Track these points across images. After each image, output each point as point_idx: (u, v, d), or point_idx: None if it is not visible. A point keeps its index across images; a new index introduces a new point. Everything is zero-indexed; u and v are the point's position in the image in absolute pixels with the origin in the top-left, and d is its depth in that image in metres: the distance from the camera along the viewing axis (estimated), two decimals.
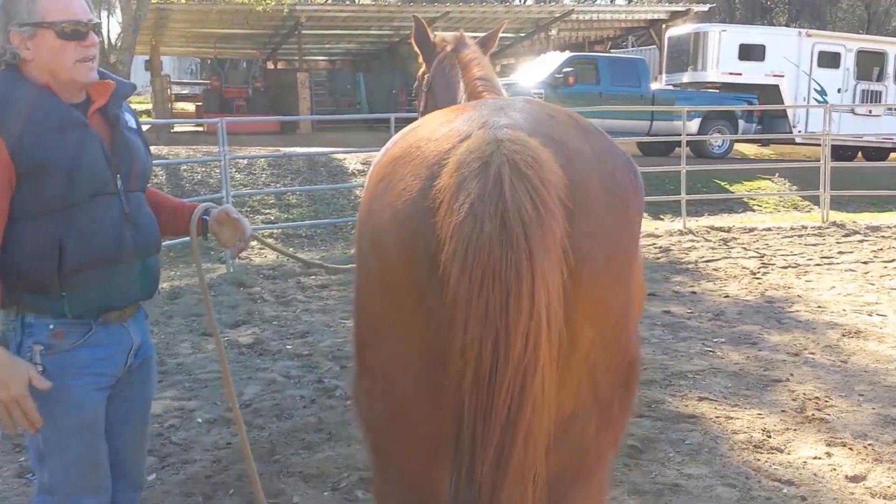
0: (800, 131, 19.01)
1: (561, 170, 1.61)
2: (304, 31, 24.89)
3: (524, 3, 40.12)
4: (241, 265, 9.57)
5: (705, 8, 26.66)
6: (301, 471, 4.19)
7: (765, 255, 10.06)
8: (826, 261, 9.64)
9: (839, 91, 20.06)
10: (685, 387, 5.39)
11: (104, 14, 36.09)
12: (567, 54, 19.22)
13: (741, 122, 18.68)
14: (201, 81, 29.71)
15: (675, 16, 26.34)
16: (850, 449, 4.38)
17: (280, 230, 11.29)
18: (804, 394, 5.18)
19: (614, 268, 1.71)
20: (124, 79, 2.62)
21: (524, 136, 1.65)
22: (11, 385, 2.19)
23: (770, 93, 19.52)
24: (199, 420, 4.89)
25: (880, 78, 20.67)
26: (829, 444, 4.44)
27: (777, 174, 16.55)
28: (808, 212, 13.97)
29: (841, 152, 19.21)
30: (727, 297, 7.93)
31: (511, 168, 1.56)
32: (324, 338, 6.54)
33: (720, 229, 11.78)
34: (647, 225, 12.40)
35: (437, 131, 1.80)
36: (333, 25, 25.96)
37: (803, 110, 19.49)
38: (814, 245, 10.61)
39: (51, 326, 2.33)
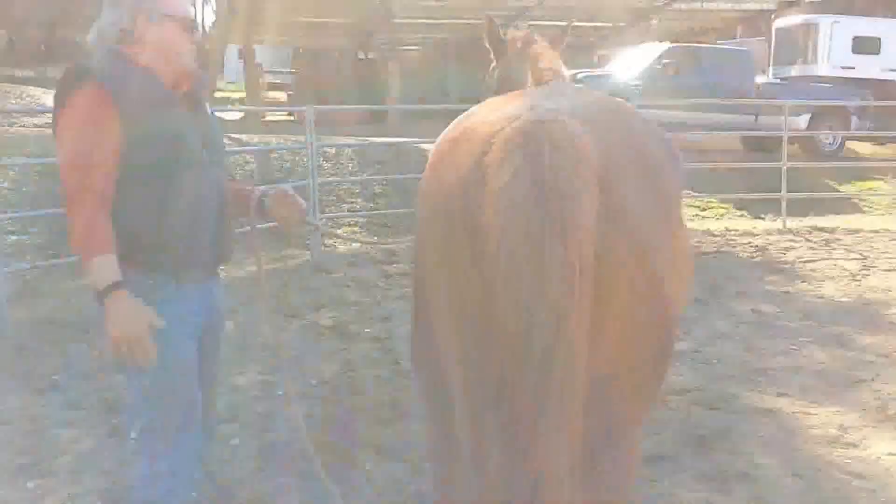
0: None
1: (595, 147, 1.88)
2: (395, 21, 25.37)
3: None
4: (325, 252, 10.02)
5: None
6: (374, 443, 4.54)
7: (868, 257, 9.96)
8: None
9: None
10: (764, 383, 5.52)
11: (199, 2, 37.48)
12: (667, 45, 19.12)
13: (854, 119, 18.26)
14: (293, 70, 30.60)
15: (784, 6, 25.79)
16: None
17: (364, 219, 11.70)
18: (888, 394, 5.25)
19: (646, 233, 1.95)
20: (218, 68, 3.11)
21: (565, 118, 1.93)
22: (137, 325, 2.58)
23: (887, 88, 19.04)
24: (280, 393, 5.29)
25: None
26: None
27: (891, 175, 16.18)
28: None
29: None
30: (821, 297, 7.95)
31: (550, 143, 1.84)
32: (402, 323, 6.87)
33: (823, 230, 11.68)
34: (745, 223, 12.38)
35: (490, 115, 2.10)
36: (425, 14, 26.37)
37: None
38: None
39: (149, 281, 2.72)
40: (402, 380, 5.55)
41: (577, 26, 22.41)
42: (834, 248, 10.53)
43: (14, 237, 9.97)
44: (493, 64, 4.49)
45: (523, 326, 1.76)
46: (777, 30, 21.82)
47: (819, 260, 9.82)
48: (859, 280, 8.69)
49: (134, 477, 3.01)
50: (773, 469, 4.25)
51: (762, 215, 13.05)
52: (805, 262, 9.73)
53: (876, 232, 11.56)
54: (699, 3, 26.77)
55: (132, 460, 4.23)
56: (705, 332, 6.77)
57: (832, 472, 4.22)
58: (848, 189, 15.48)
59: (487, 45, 4.50)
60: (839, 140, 18.16)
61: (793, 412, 4.99)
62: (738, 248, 10.60)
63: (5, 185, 11.04)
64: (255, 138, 15.71)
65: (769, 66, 22.23)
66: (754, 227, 11.98)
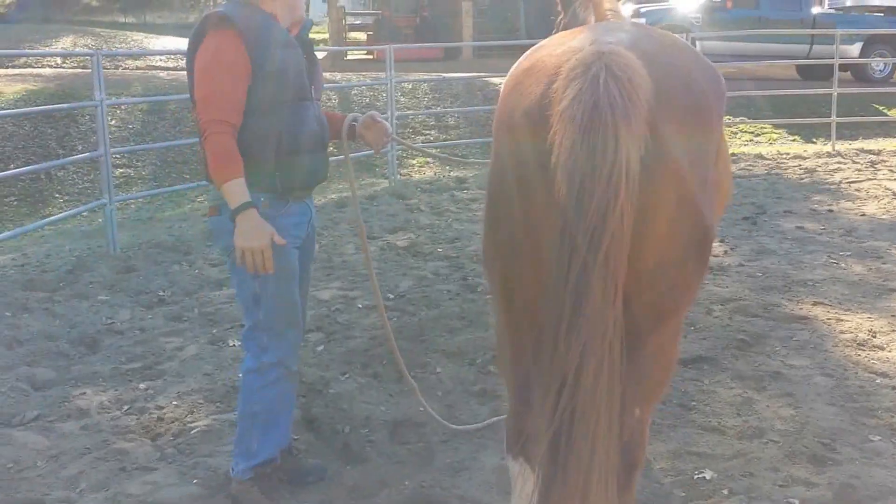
0: None
1: (648, 76, 2.02)
2: None
3: None
4: (401, 180, 10.20)
5: None
6: (444, 349, 4.72)
7: None
8: None
9: None
10: (803, 293, 5.53)
11: None
12: None
13: None
14: (373, 12, 30.48)
15: None
16: None
17: (438, 149, 11.83)
18: None
19: (691, 151, 2.10)
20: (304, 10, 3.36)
21: (622, 50, 2.07)
22: (262, 238, 2.79)
23: None
24: (360, 306, 5.52)
25: None
26: None
27: None
28: None
29: None
30: (863, 215, 7.82)
31: (607, 72, 1.99)
32: (471, 243, 7.03)
33: (870, 152, 11.37)
34: (796, 147, 12.10)
35: (557, 48, 2.26)
36: None
37: None
38: None
39: (262, 199, 2.93)
40: (468, 294, 5.73)
41: None
42: (879, 170, 10.27)
43: (122, 170, 10.40)
44: (560, 15, 4.53)
45: (574, 214, 1.92)
46: None
47: (864, 180, 9.60)
48: None
49: (241, 369, 3.25)
50: (805, 369, 4.31)
51: (813, 139, 12.75)
52: (850, 182, 9.53)
53: None
54: None
55: (230, 364, 4.54)
56: (752, 247, 6.76)
57: (859, 371, 4.27)
58: None
59: None
60: (889, 67, 17.44)
61: (827, 319, 5.02)
62: (788, 171, 10.41)
63: (113, 122, 11.44)
64: (338, 76, 15.86)
65: None
66: (804, 151, 11.72)
